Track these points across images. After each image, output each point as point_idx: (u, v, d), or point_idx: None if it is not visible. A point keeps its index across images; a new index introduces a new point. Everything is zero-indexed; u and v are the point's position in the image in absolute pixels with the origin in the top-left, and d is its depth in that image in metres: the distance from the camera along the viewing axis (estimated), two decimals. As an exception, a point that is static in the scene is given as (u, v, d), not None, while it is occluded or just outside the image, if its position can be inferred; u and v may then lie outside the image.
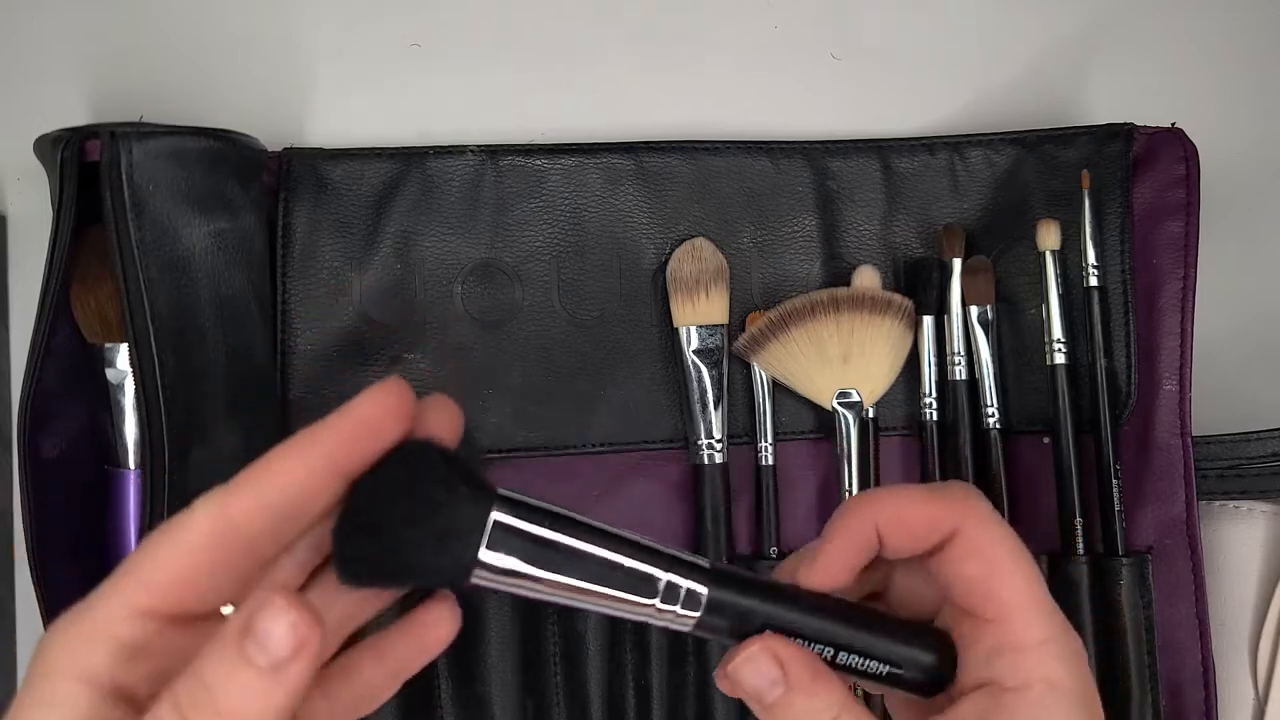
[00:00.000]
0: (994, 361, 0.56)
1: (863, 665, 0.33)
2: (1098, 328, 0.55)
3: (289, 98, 0.59)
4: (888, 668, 0.33)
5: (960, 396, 0.56)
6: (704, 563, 0.32)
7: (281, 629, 0.26)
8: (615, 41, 0.61)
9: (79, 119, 0.52)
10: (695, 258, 0.56)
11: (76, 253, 0.48)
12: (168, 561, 0.28)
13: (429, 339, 0.55)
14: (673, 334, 0.56)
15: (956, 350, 0.56)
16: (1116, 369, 0.56)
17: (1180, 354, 0.56)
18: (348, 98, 0.59)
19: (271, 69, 0.59)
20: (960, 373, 0.56)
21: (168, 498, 0.46)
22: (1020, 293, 0.57)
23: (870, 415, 0.56)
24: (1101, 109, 0.63)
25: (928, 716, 0.33)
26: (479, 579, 0.30)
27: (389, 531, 0.29)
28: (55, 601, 0.47)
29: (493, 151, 0.56)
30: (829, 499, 0.57)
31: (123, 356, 0.49)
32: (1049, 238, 0.55)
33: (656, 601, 0.31)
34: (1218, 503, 0.57)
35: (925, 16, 0.63)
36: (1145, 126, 0.57)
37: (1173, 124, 0.57)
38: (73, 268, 0.48)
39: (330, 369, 0.54)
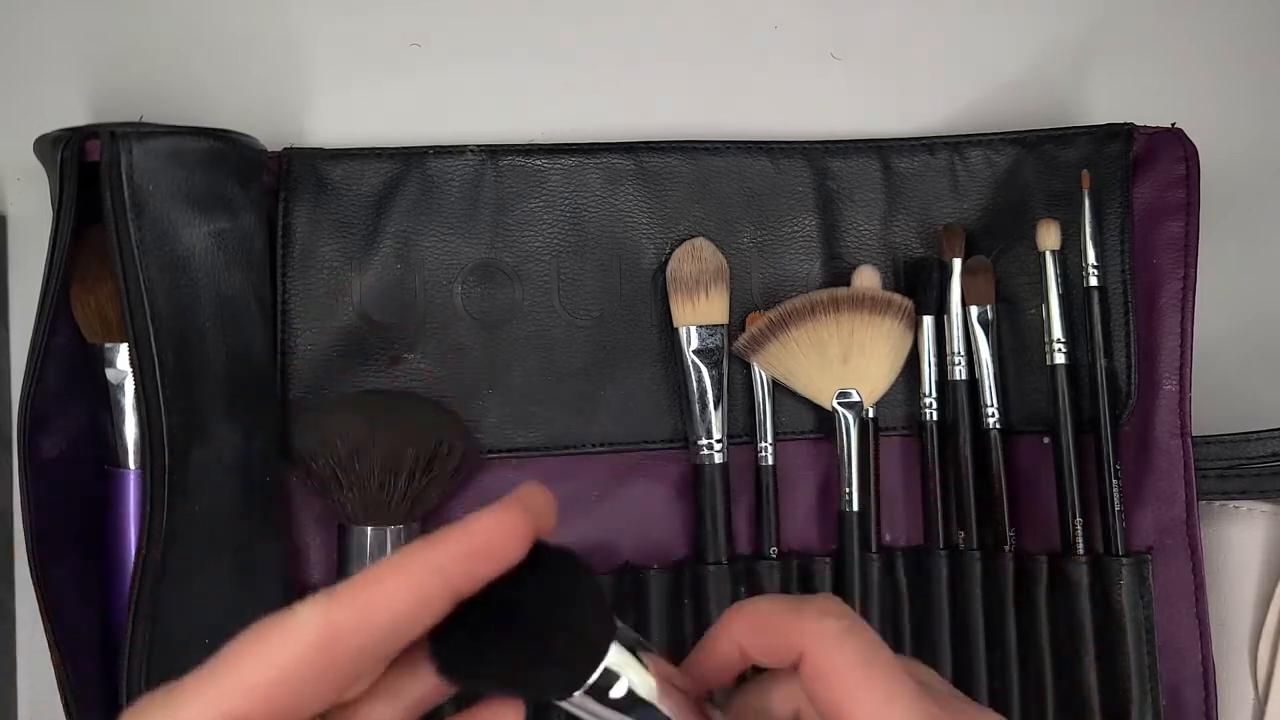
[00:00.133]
0: (994, 361, 0.56)
1: None
2: (1098, 328, 0.55)
3: (289, 98, 0.59)
4: None
5: (960, 396, 0.56)
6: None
7: None
8: (615, 41, 0.61)
9: (79, 119, 0.52)
10: (695, 258, 0.56)
11: (76, 253, 0.48)
12: (266, 668, 0.26)
13: (429, 339, 0.55)
14: (673, 334, 0.56)
15: (956, 350, 0.56)
16: (1116, 369, 0.56)
17: (1180, 354, 0.56)
18: (348, 98, 0.59)
19: (271, 69, 0.59)
20: (960, 373, 0.56)
21: (168, 498, 0.46)
22: (1020, 293, 0.57)
23: (870, 415, 0.56)
24: (1101, 109, 0.63)
25: None
26: (558, 702, 0.30)
27: (505, 640, 0.29)
28: (55, 601, 0.47)
29: (493, 151, 0.56)
30: (829, 499, 0.57)
31: (123, 356, 0.49)
32: (1049, 238, 0.55)
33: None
34: (1218, 503, 0.57)
35: (925, 16, 0.63)
36: (1145, 126, 0.57)
37: (1173, 124, 0.57)
38: (73, 268, 0.48)
39: (330, 369, 0.54)
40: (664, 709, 0.32)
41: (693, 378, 0.55)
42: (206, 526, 0.47)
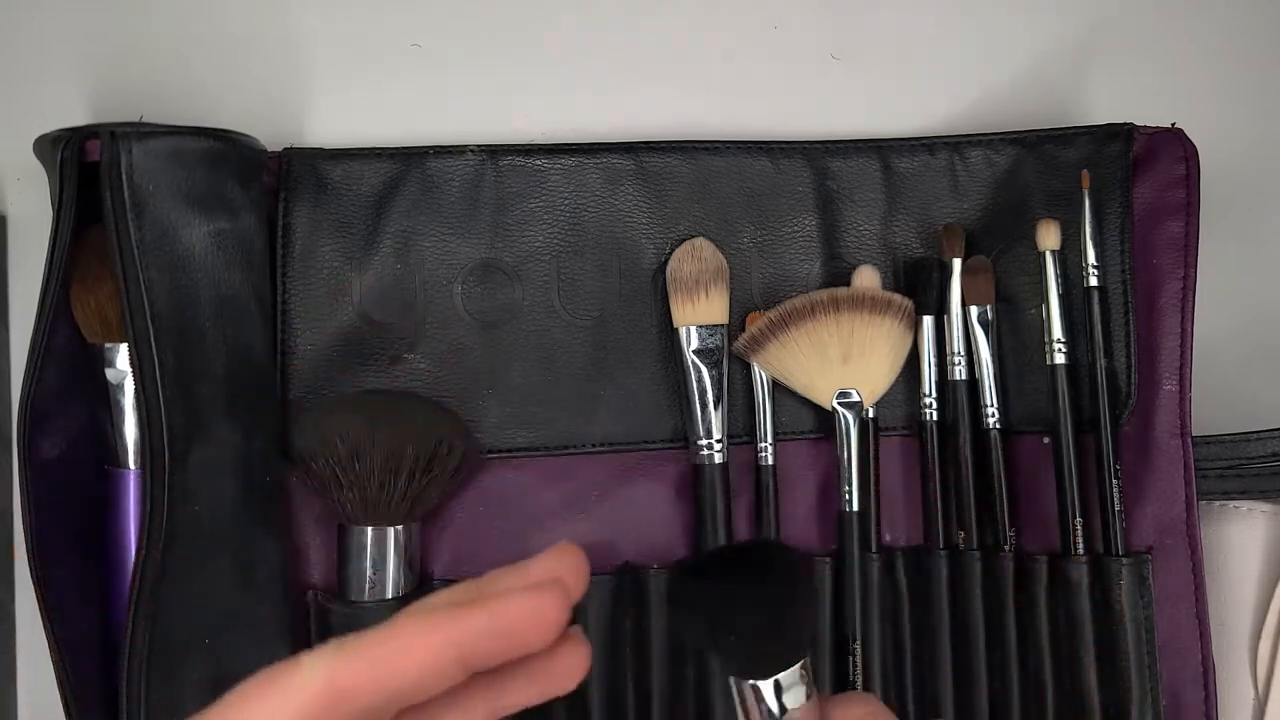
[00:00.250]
0: (994, 361, 0.56)
1: None
2: (1098, 328, 0.55)
3: (289, 98, 0.59)
4: None
5: (960, 396, 0.56)
6: None
7: None
8: (615, 41, 0.61)
9: (79, 119, 0.52)
10: (695, 258, 0.56)
11: (76, 253, 0.48)
12: None
13: (429, 339, 0.55)
14: (673, 334, 0.56)
15: (956, 350, 0.56)
16: (1116, 369, 0.56)
17: (1180, 354, 0.56)
18: (348, 98, 0.59)
19: (271, 69, 0.59)
20: (960, 373, 0.56)
21: (168, 498, 0.46)
22: (1020, 293, 0.57)
23: (870, 415, 0.56)
24: (1101, 109, 0.63)
25: None
26: (750, 684, 0.33)
27: (751, 600, 0.32)
28: (55, 601, 0.47)
29: (493, 151, 0.56)
30: (829, 499, 0.57)
31: (123, 356, 0.49)
32: (1049, 238, 0.55)
33: None
34: (1218, 503, 0.57)
35: (925, 16, 0.63)
36: (1145, 126, 0.57)
37: (1173, 124, 0.57)
38: (73, 268, 0.48)
39: (330, 369, 0.54)
40: None
41: (693, 378, 0.55)
42: (206, 526, 0.47)
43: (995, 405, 0.56)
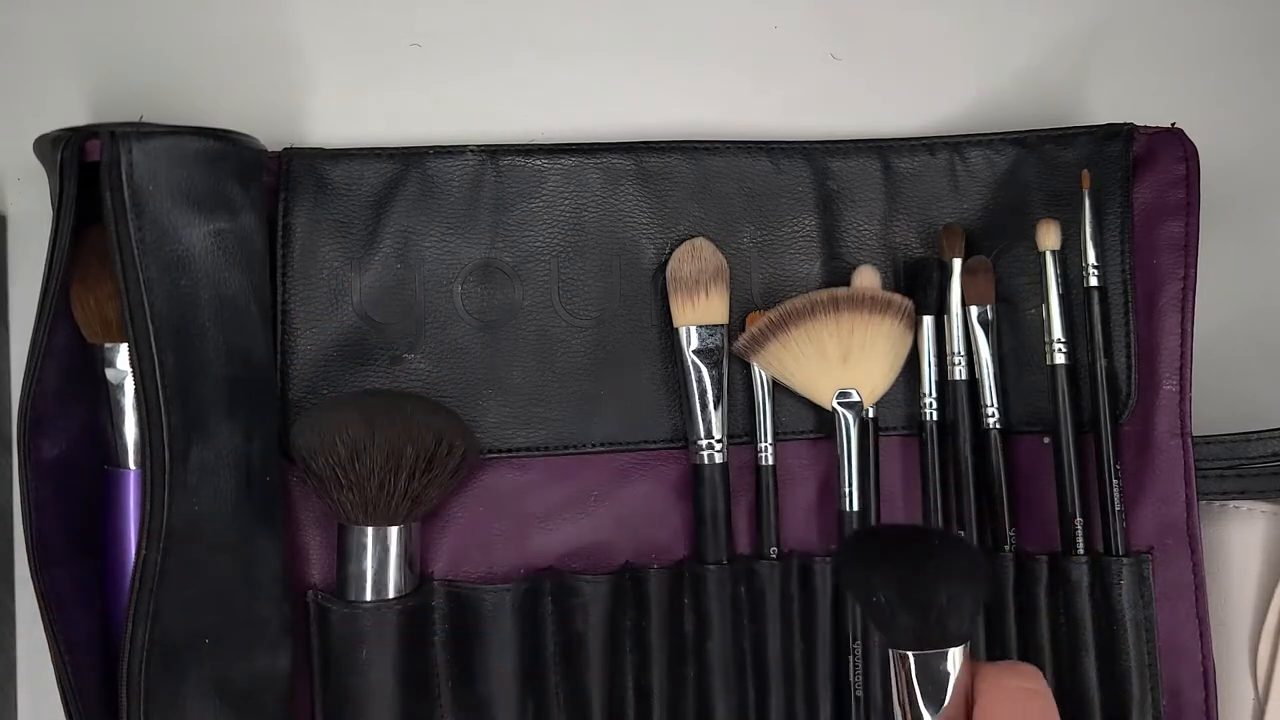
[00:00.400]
0: (994, 361, 0.56)
1: None
2: (1098, 328, 0.55)
3: (289, 98, 0.59)
4: None
5: (960, 396, 0.56)
6: None
7: None
8: (615, 41, 0.61)
9: (79, 119, 0.52)
10: (695, 257, 0.56)
11: (76, 253, 0.48)
12: None
13: (429, 339, 0.55)
14: (673, 334, 0.56)
15: (956, 350, 0.56)
16: (1116, 369, 0.56)
17: (1180, 354, 0.56)
18: (347, 98, 0.59)
19: (271, 69, 0.59)
20: (960, 373, 0.56)
21: (168, 498, 0.46)
22: (1020, 293, 0.57)
23: (870, 415, 0.56)
24: (1101, 109, 0.63)
25: None
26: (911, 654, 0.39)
27: (933, 575, 0.37)
28: (55, 601, 0.47)
29: (493, 151, 0.56)
30: (829, 499, 0.57)
31: (123, 356, 0.49)
32: (1049, 238, 0.55)
33: None
34: (1218, 503, 0.57)
35: (925, 17, 0.63)
36: (1145, 126, 0.57)
37: (1173, 124, 0.57)
38: (73, 268, 0.48)
39: (330, 369, 0.54)
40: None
41: (693, 378, 0.55)
42: (206, 526, 0.47)
43: (995, 405, 0.56)
